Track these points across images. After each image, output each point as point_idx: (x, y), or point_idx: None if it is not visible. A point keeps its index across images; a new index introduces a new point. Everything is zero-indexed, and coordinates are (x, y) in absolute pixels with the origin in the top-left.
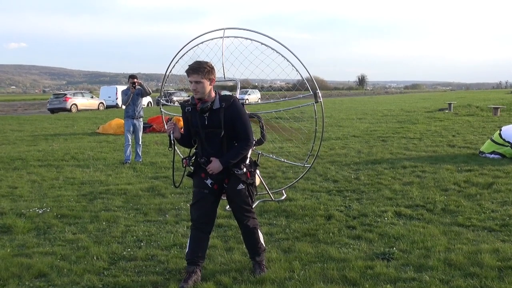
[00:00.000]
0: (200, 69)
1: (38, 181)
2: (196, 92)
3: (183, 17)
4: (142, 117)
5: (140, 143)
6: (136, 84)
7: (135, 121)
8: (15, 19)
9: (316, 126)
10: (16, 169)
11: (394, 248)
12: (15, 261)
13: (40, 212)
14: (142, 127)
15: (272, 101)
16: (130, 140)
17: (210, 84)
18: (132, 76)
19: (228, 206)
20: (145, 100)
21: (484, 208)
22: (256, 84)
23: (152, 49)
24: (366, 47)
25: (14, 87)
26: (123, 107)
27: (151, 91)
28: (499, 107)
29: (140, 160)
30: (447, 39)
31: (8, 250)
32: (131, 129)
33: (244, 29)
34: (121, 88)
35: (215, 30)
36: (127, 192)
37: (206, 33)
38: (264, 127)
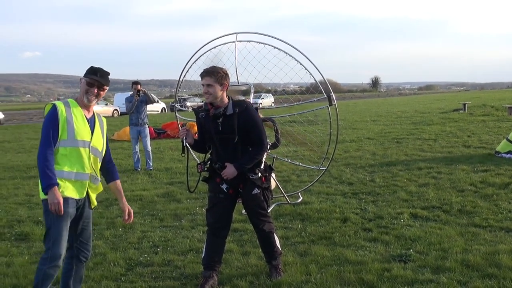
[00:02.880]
0: (213, 73)
1: None
2: (208, 96)
3: (194, 24)
4: (146, 123)
5: (148, 149)
6: (141, 92)
7: (139, 128)
8: (29, 29)
9: (330, 129)
10: (32, 177)
11: (411, 250)
12: (33, 268)
13: None
14: (148, 133)
15: (285, 105)
16: (137, 147)
17: (222, 90)
18: (135, 83)
19: (243, 211)
20: (159, 106)
21: (501, 208)
22: (270, 88)
23: (165, 56)
24: (379, 49)
25: (29, 96)
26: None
27: (156, 99)
28: None
29: (151, 168)
30: (461, 39)
31: (26, 258)
32: (137, 136)
33: (256, 33)
34: None
35: (227, 35)
36: (142, 198)
37: (218, 38)
38: (279, 130)
